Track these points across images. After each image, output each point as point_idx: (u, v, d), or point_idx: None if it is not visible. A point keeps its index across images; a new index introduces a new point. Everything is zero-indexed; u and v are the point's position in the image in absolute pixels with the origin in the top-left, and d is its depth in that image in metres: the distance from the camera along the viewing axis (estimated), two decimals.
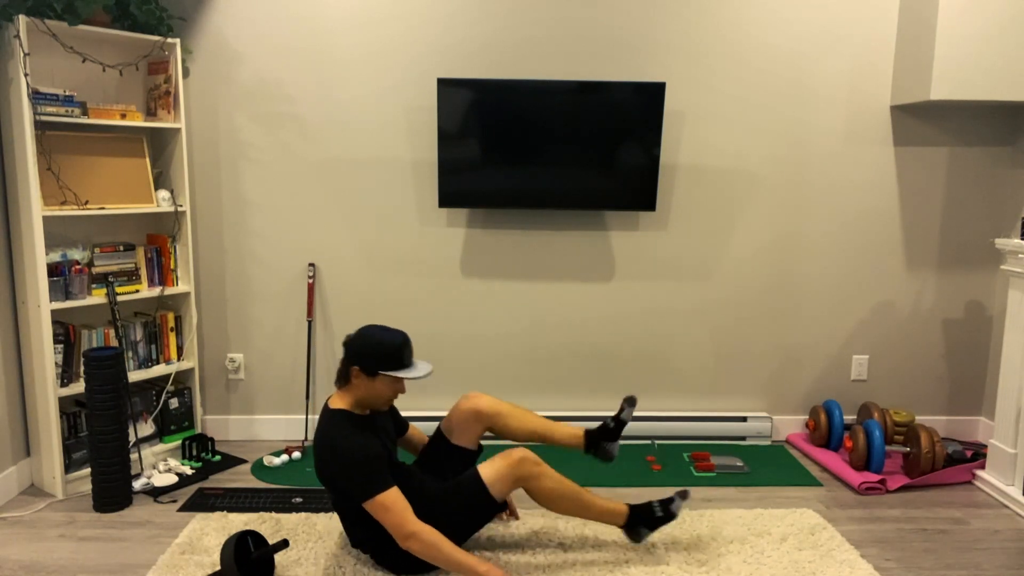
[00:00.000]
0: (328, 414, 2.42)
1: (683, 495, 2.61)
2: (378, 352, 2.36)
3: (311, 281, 3.58)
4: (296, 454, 3.44)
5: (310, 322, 3.61)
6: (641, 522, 2.60)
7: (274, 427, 3.69)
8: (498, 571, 2.29)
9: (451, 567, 2.28)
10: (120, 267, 3.22)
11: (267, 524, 2.82)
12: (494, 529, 2.79)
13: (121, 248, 3.23)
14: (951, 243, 3.66)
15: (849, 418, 3.77)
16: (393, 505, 2.29)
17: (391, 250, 3.58)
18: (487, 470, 2.44)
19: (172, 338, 3.42)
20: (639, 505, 2.61)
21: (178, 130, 3.31)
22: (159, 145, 3.40)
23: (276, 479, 3.23)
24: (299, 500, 3.02)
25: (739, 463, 3.39)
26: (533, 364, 3.69)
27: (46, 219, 2.98)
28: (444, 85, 3.31)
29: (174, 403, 3.44)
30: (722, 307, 3.68)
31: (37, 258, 2.91)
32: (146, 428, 3.37)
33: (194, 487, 3.16)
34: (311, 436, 3.70)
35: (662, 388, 3.74)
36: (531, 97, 3.33)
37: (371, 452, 2.32)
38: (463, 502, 2.44)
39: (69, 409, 3.14)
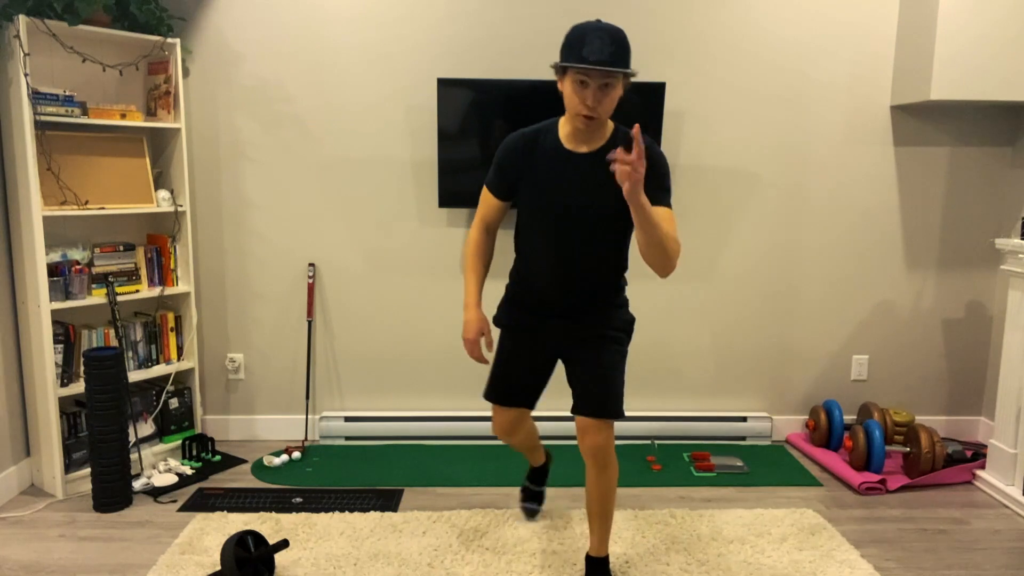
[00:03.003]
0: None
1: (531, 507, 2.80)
2: (565, 41, 2.05)
3: (311, 281, 3.58)
4: (296, 454, 3.44)
5: (310, 322, 3.61)
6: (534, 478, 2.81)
7: (274, 427, 3.69)
8: (471, 329, 2.32)
9: (465, 279, 2.38)
10: (120, 267, 3.22)
11: (267, 524, 2.82)
12: (493, 528, 2.79)
13: (121, 248, 3.23)
14: (951, 243, 3.66)
15: (849, 418, 3.76)
16: (481, 200, 2.35)
17: (391, 250, 3.58)
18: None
19: (172, 338, 3.42)
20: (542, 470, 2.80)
21: (178, 130, 3.31)
22: (159, 145, 3.40)
23: (276, 479, 3.23)
24: (299, 500, 3.02)
25: (739, 463, 3.39)
26: None
27: (46, 219, 2.98)
28: (444, 85, 3.31)
29: (174, 403, 3.44)
30: (722, 307, 3.68)
31: (37, 258, 2.91)
32: (146, 428, 3.37)
33: (194, 487, 3.16)
34: (311, 436, 3.70)
35: (662, 388, 3.73)
36: (531, 97, 3.33)
37: (503, 153, 2.26)
38: None
39: (69, 409, 3.14)
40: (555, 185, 2.18)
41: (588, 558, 2.43)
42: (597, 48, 1.97)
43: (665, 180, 2.13)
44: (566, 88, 2.08)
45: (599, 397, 2.23)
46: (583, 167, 2.17)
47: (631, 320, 2.34)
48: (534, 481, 2.84)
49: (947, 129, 3.57)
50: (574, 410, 2.27)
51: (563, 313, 2.31)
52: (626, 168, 1.86)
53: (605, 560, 2.41)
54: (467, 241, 2.39)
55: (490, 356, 2.40)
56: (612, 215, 2.17)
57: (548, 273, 2.26)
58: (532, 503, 2.85)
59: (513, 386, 2.44)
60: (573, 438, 3.65)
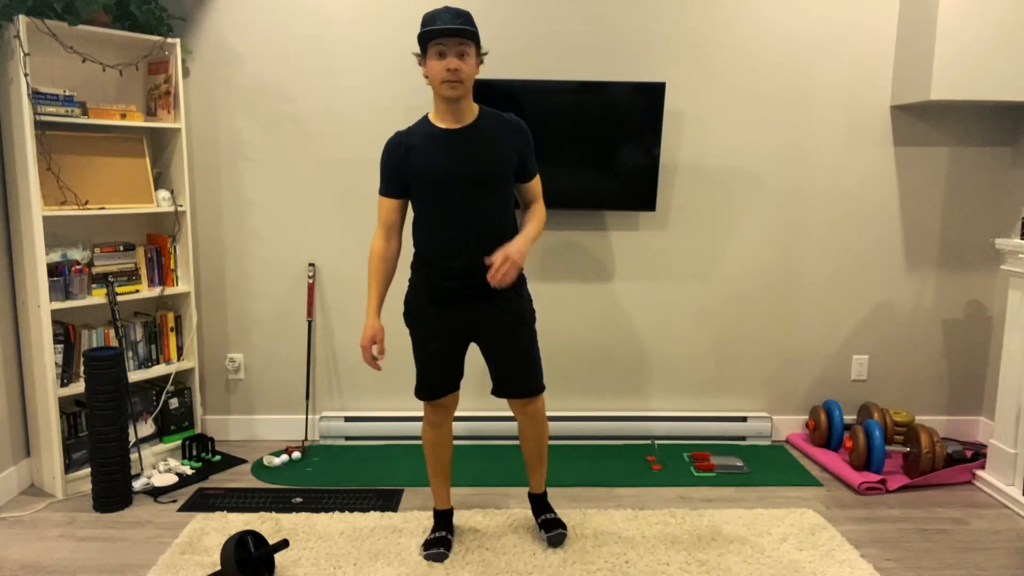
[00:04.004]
0: None
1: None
2: (420, 28, 2.30)
3: (311, 281, 3.58)
4: (296, 454, 3.44)
5: (310, 322, 3.61)
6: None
7: (274, 427, 3.69)
8: (365, 335, 2.43)
9: (369, 286, 2.49)
10: (120, 267, 3.22)
11: (267, 524, 2.82)
12: (492, 527, 2.79)
13: (121, 248, 3.23)
14: (951, 243, 3.66)
15: (849, 418, 3.76)
16: (379, 209, 2.47)
17: None
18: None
19: (172, 338, 3.42)
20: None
21: (178, 130, 3.31)
22: (159, 145, 3.40)
23: (276, 479, 3.23)
24: (299, 500, 3.02)
25: (739, 463, 3.39)
26: None
27: (46, 219, 2.98)
28: None
29: (174, 403, 3.44)
30: (722, 307, 3.68)
31: (37, 258, 2.91)
32: (146, 428, 3.37)
33: (194, 487, 3.16)
34: (311, 436, 3.70)
35: (662, 388, 3.73)
36: (531, 97, 3.33)
37: (386, 156, 2.42)
38: None
39: (69, 409, 3.14)
40: (438, 161, 2.37)
41: (532, 495, 2.79)
42: (448, 19, 2.26)
43: (533, 149, 2.49)
44: (429, 66, 2.31)
45: (526, 381, 2.54)
46: (460, 140, 2.38)
47: (531, 299, 2.57)
48: (443, 527, 2.71)
49: (947, 129, 3.57)
50: (503, 393, 2.56)
51: (470, 294, 2.44)
52: (504, 271, 2.26)
53: (545, 494, 2.80)
54: (371, 251, 2.49)
55: (382, 362, 2.49)
56: (493, 175, 2.39)
57: (449, 246, 2.41)
58: (440, 547, 2.62)
59: (439, 379, 2.54)
60: (559, 438, 3.66)
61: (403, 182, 2.42)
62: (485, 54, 2.41)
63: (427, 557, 2.58)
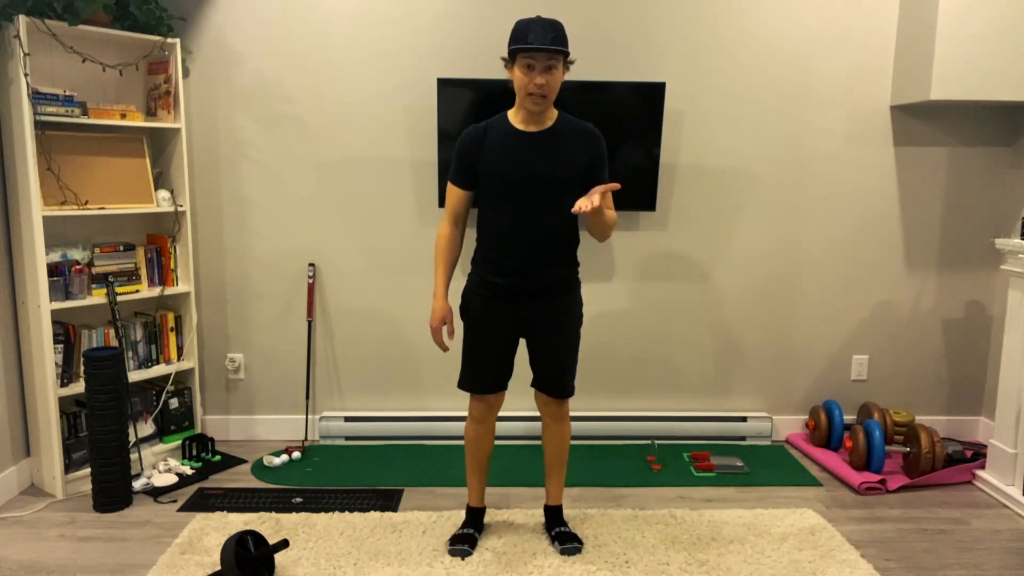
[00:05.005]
0: None
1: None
2: (511, 34, 2.34)
3: (311, 281, 3.58)
4: (296, 454, 3.44)
5: (310, 322, 3.61)
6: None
7: (274, 427, 3.70)
8: (436, 317, 2.51)
9: (435, 270, 2.57)
10: (120, 267, 3.22)
11: (267, 524, 2.82)
12: (492, 527, 2.79)
13: (121, 248, 3.23)
14: (951, 243, 3.66)
15: (849, 418, 3.77)
16: (448, 197, 2.53)
17: (391, 250, 3.58)
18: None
19: (172, 338, 3.42)
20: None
21: (178, 130, 3.31)
22: (159, 145, 3.40)
23: (276, 479, 3.23)
24: (299, 500, 3.02)
25: (739, 463, 3.40)
26: None
27: (46, 219, 2.98)
28: (444, 85, 3.31)
29: (174, 403, 3.44)
30: (722, 307, 3.68)
31: (37, 258, 2.91)
32: (146, 428, 3.37)
33: (194, 487, 3.16)
34: (311, 436, 3.70)
35: (662, 388, 3.73)
36: None
37: (460, 146, 2.47)
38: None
39: (69, 409, 3.14)
40: (512, 160, 2.41)
41: (548, 508, 2.75)
42: (539, 35, 2.28)
43: (605, 159, 2.51)
44: (516, 75, 2.35)
45: (559, 382, 2.58)
46: (535, 143, 2.42)
47: (582, 303, 2.61)
48: (472, 524, 2.73)
49: (947, 129, 3.57)
50: (537, 387, 2.61)
51: (530, 292, 2.48)
52: (591, 204, 2.23)
53: (560, 507, 2.76)
54: (437, 236, 2.56)
55: (451, 343, 2.53)
56: (563, 182, 2.43)
57: (509, 244, 2.45)
58: (465, 544, 2.65)
59: (489, 372, 2.56)
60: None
61: (473, 174, 2.47)
62: (572, 62, 2.41)
63: (450, 552, 2.62)
